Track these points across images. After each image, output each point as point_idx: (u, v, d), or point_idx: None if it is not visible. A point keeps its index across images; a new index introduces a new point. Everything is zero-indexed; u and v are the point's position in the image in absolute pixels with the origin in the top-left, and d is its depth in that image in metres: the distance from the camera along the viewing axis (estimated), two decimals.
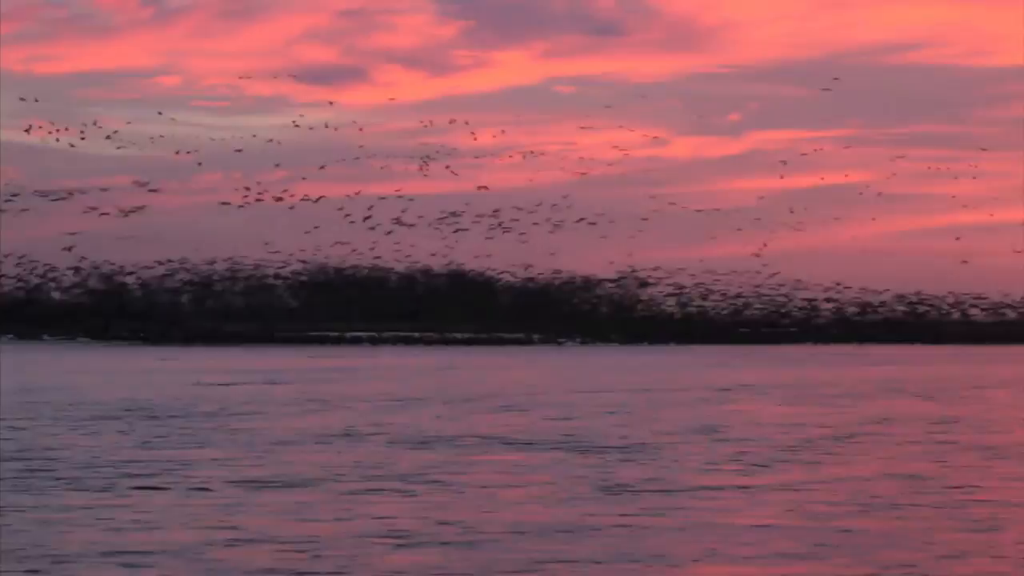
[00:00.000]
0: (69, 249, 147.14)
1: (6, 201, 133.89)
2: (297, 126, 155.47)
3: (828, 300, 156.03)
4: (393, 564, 16.93)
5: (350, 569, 16.60)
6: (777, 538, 19.02)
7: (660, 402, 49.71)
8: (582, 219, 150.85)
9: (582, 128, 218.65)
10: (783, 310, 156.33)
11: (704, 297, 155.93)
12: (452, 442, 32.88)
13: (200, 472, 26.31)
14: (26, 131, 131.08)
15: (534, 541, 18.63)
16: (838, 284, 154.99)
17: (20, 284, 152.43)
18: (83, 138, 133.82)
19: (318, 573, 16.32)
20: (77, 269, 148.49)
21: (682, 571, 16.74)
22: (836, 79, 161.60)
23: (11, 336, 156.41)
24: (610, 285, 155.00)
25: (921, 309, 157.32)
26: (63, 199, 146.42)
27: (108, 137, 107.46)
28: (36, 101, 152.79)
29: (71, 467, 27.14)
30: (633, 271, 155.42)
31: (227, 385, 59.53)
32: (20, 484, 24.27)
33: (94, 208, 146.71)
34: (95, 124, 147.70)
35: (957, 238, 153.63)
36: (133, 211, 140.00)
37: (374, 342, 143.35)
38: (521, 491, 23.87)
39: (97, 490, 23.54)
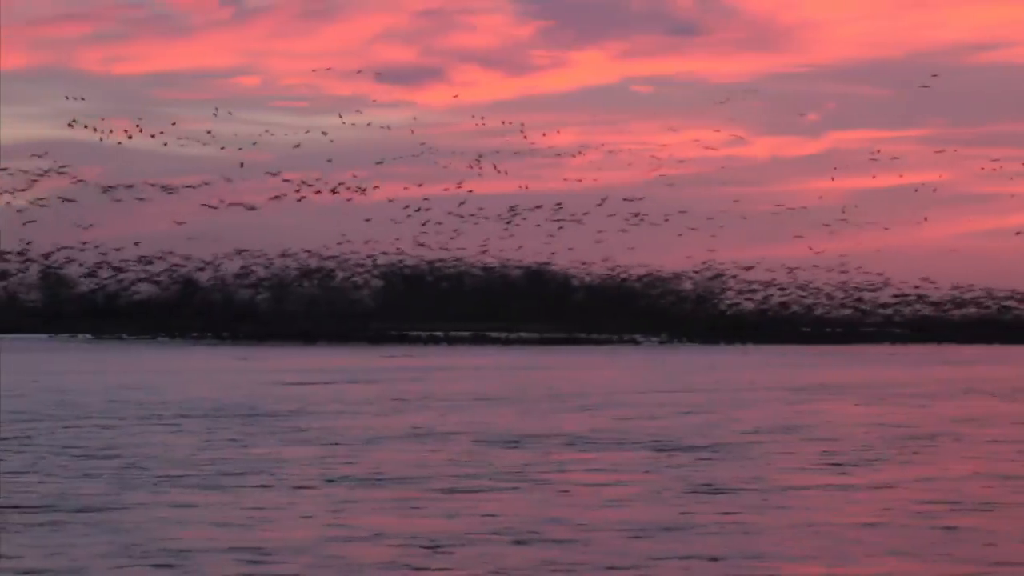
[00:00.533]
0: (137, 245, 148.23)
1: (86, 201, 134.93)
2: (375, 125, 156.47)
3: (908, 300, 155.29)
4: (515, 561, 17.17)
5: (472, 564, 16.86)
6: (881, 536, 19.16)
7: (743, 401, 49.76)
8: (661, 218, 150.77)
9: (661, 128, 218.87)
10: (863, 309, 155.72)
11: (783, 296, 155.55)
12: (540, 441, 33.09)
13: (296, 470, 26.63)
14: (106, 131, 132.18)
15: (642, 539, 18.84)
16: (923, 282, 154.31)
17: (99, 283, 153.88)
18: (160, 138, 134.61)
19: (447, 569, 16.57)
20: (151, 268, 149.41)
21: (792, 568, 16.91)
22: (934, 76, 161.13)
23: (89, 336, 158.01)
24: (689, 284, 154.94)
25: (1004, 308, 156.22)
26: (142, 199, 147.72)
27: (186, 137, 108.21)
28: (115, 101, 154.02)
29: (170, 464, 27.55)
30: (711, 270, 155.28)
31: (309, 384, 60.02)
32: (124, 482, 24.67)
33: (173, 207, 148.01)
34: (174, 124, 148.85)
35: None
36: (211, 210, 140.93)
37: (451, 341, 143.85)
38: (620, 489, 24.06)
39: (203, 488, 23.91)
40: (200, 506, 21.65)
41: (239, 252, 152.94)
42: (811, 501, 22.74)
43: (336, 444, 32.15)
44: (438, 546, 18.01)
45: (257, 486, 24.16)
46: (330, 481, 24.83)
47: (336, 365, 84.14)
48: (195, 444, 31.87)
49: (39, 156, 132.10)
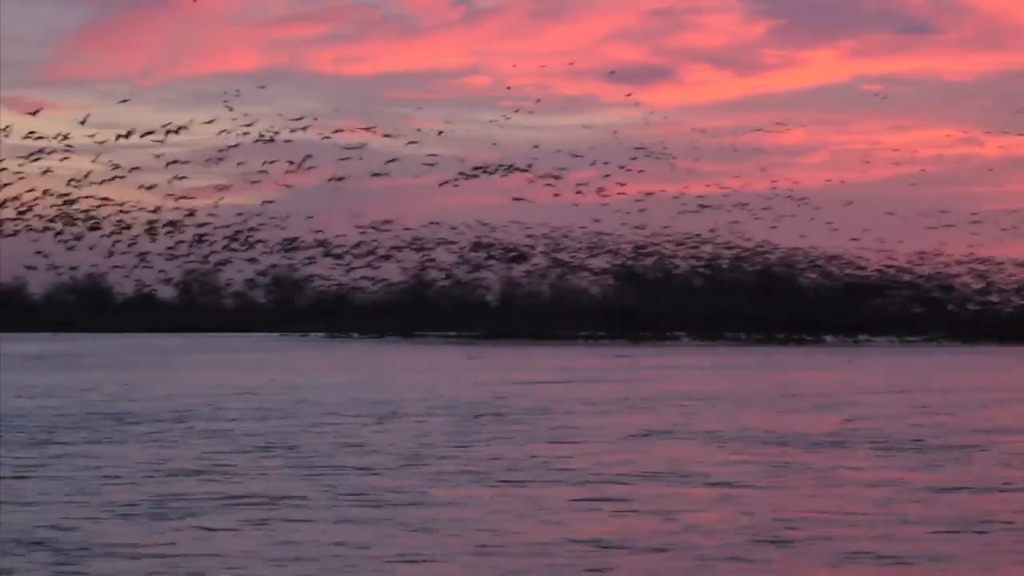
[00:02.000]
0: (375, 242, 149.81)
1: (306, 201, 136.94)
2: (604, 125, 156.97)
3: None
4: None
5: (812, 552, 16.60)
6: None
7: (979, 403, 48.42)
8: (892, 217, 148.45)
9: (892, 127, 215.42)
10: None
11: (1021, 297, 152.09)
12: (791, 440, 32.52)
13: (565, 468, 26.48)
14: (337, 132, 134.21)
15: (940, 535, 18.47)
16: None
17: (333, 283, 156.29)
18: (391, 138, 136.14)
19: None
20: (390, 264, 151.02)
21: None
22: None
23: (322, 334, 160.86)
24: (918, 284, 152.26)
25: None
26: (372, 198, 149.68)
27: (417, 137, 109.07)
28: (346, 102, 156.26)
29: (446, 461, 27.69)
30: (941, 270, 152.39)
31: (545, 383, 60.15)
32: (433, 478, 24.83)
33: (400, 206, 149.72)
34: (405, 124, 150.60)
35: None
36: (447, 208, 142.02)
37: (675, 340, 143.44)
38: (888, 489, 23.50)
39: (487, 484, 23.98)
40: (482, 500, 21.75)
41: (467, 253, 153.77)
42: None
43: (583, 442, 31.98)
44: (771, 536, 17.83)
45: (554, 482, 24.17)
46: (608, 480, 24.64)
47: (565, 364, 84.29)
48: (443, 442, 31.95)
49: (270, 159, 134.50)
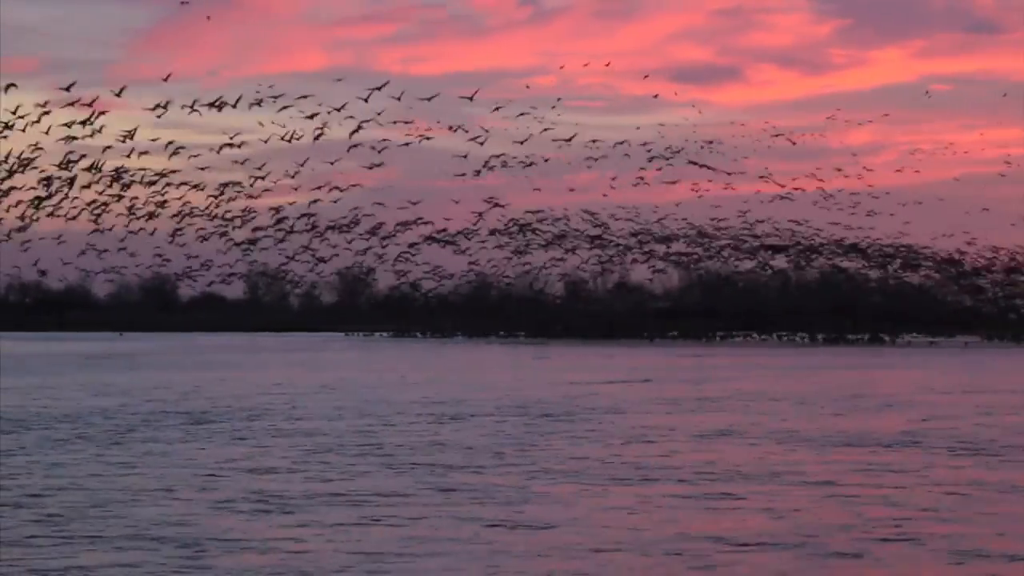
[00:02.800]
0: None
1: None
2: (671, 125, 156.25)
3: None
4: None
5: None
6: None
7: None
8: (960, 217, 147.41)
9: (960, 127, 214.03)
10: None
11: None
12: (857, 441, 32.50)
13: (663, 466, 26.60)
14: (403, 131, 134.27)
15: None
16: None
17: (399, 282, 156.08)
18: (457, 136, 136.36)
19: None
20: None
21: None
22: None
23: (387, 334, 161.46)
24: (988, 284, 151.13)
25: None
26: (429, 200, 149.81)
27: (483, 137, 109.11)
28: (413, 101, 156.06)
29: (530, 456, 27.88)
30: (1013, 271, 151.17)
31: (613, 383, 60.23)
32: (531, 476, 25.06)
33: (464, 206, 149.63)
34: (471, 124, 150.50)
35: None
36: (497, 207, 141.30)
37: (741, 340, 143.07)
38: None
39: (618, 482, 24.19)
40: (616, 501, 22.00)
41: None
42: None
43: (649, 442, 32.05)
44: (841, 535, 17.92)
45: (648, 480, 24.33)
46: (679, 479, 24.76)
47: (631, 364, 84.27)
48: (561, 440, 32.11)
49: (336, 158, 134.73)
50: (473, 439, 32.32)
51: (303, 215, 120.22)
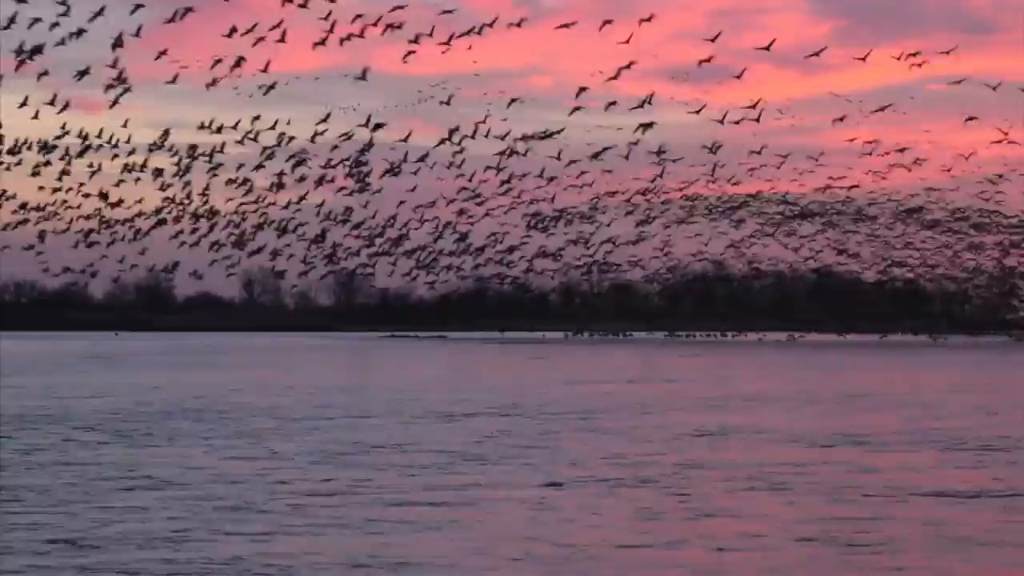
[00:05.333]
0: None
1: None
2: (668, 125, 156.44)
3: None
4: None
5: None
6: None
7: None
8: (955, 217, 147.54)
9: (957, 128, 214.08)
10: None
11: None
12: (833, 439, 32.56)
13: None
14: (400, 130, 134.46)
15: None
16: None
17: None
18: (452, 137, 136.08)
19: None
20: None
21: None
22: None
23: (381, 333, 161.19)
24: (982, 285, 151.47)
25: None
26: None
27: (479, 137, 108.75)
28: (409, 101, 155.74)
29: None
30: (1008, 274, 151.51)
31: (606, 384, 60.30)
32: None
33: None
34: (464, 125, 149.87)
35: None
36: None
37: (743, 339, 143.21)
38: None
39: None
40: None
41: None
42: None
43: (650, 441, 32.08)
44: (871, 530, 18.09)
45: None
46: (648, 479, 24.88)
47: (628, 364, 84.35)
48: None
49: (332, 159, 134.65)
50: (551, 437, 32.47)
51: None
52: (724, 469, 26.05)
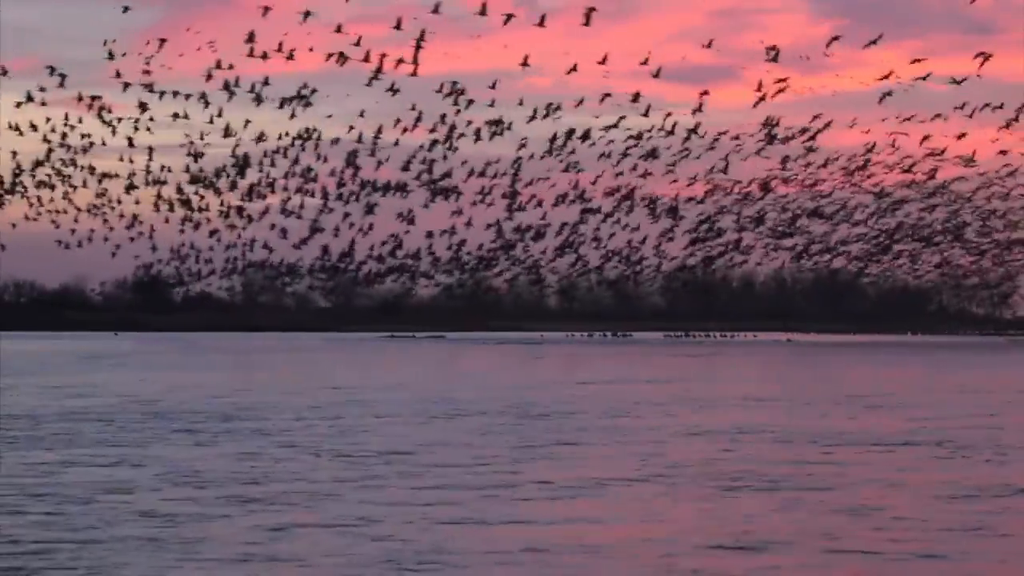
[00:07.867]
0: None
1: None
2: (667, 126, 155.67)
3: None
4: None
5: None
6: None
7: None
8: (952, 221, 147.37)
9: (957, 128, 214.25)
10: None
11: None
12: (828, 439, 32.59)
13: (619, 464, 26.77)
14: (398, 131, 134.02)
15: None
16: None
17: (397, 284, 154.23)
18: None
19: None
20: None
21: None
22: None
23: (381, 334, 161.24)
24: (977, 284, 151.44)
25: None
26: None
27: (478, 137, 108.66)
28: (408, 102, 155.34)
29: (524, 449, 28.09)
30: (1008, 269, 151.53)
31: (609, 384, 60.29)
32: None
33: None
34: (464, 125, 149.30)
35: None
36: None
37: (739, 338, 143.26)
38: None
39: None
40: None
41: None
42: None
43: (654, 442, 32.09)
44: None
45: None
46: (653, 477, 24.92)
47: (634, 362, 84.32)
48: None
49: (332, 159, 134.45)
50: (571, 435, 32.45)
51: None
52: (724, 469, 26.07)
